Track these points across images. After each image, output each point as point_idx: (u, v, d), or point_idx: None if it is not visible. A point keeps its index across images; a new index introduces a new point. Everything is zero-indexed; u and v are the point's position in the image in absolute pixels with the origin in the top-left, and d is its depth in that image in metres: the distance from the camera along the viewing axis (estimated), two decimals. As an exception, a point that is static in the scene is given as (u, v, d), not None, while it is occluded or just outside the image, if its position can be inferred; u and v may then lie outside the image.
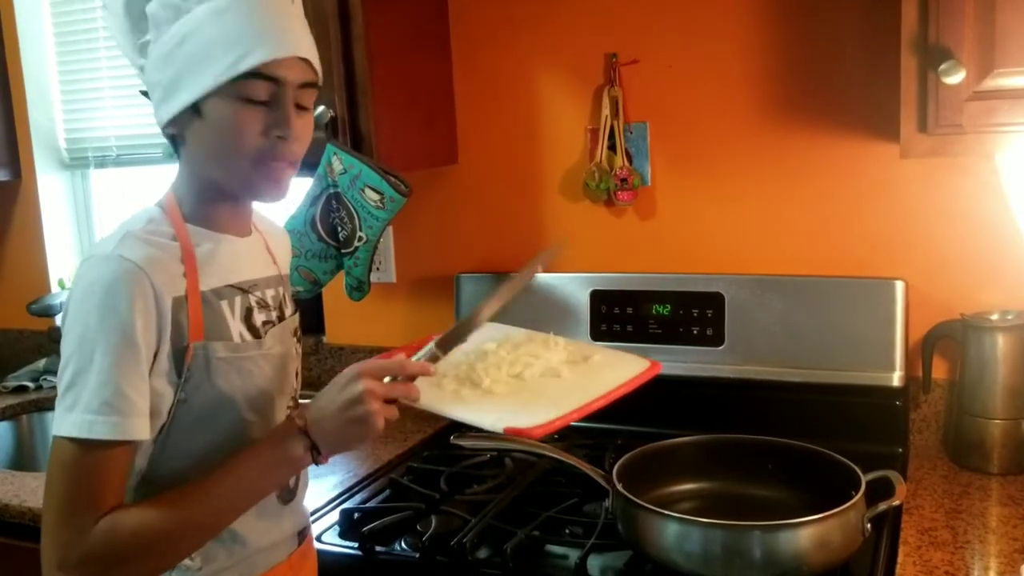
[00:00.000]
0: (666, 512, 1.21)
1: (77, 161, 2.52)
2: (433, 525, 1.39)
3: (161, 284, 1.01)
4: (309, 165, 1.69)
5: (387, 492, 1.57)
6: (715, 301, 1.72)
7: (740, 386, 1.72)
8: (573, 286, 1.84)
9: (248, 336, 1.12)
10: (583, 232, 1.89)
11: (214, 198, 1.10)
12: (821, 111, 1.68)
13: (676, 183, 1.81)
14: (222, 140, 1.04)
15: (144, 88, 1.10)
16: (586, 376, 1.20)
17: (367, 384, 1.00)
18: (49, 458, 1.00)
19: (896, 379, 1.62)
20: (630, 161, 1.81)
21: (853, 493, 1.23)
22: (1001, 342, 1.53)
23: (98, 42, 2.41)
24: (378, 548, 1.37)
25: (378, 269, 2.06)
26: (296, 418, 1.03)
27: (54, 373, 2.34)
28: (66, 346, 1.00)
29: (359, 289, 1.77)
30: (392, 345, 1.96)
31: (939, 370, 1.66)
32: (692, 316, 1.75)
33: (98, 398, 0.97)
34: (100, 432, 0.97)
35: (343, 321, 2.15)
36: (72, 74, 2.47)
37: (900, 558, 1.25)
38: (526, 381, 1.18)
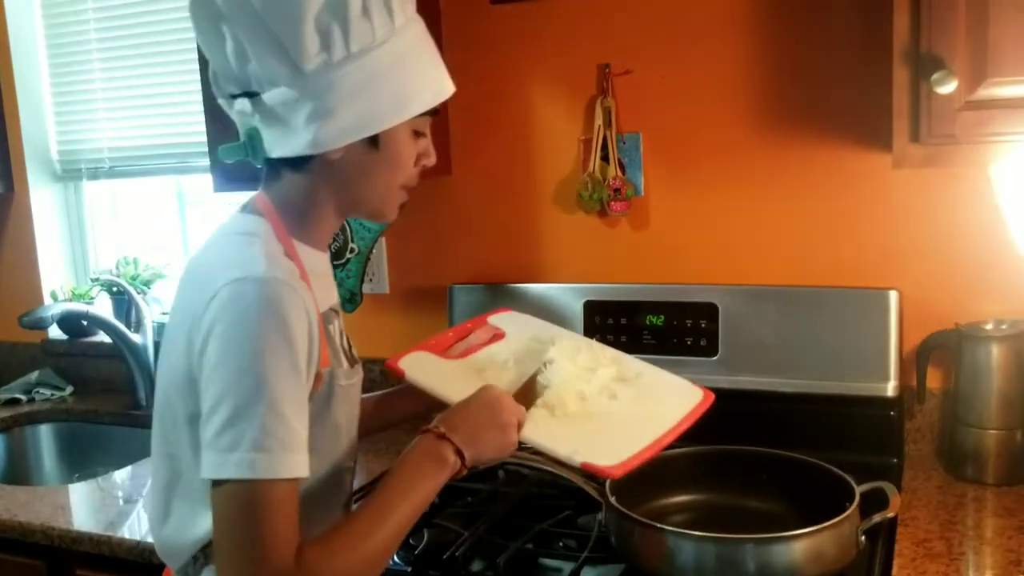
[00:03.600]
0: (659, 525, 1.20)
1: (70, 173, 2.51)
2: (425, 538, 1.38)
3: (311, 307, 1.00)
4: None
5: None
6: (709, 311, 1.72)
7: (734, 397, 1.68)
8: (567, 297, 1.83)
9: (347, 362, 1.13)
10: (576, 242, 1.89)
11: (326, 215, 1.10)
12: (814, 121, 1.67)
13: (669, 193, 1.81)
14: (389, 170, 1.08)
15: (235, 91, 1.05)
16: (642, 402, 1.26)
17: (505, 399, 1.10)
18: (215, 505, 0.92)
19: (890, 389, 1.62)
20: (623, 171, 1.81)
21: (847, 505, 1.22)
22: (996, 352, 1.52)
23: (91, 53, 2.41)
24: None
25: (371, 280, 2.04)
26: (435, 428, 1.06)
27: (47, 385, 2.37)
28: (218, 379, 0.92)
29: (351, 301, 1.76)
30: (384, 356, 1.95)
31: (934, 380, 1.65)
32: (686, 326, 1.74)
33: (269, 434, 0.90)
34: (278, 470, 0.90)
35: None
36: (65, 85, 2.47)
37: (895, 570, 1.24)
38: (588, 401, 1.23)
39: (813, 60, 1.66)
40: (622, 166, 1.81)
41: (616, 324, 1.79)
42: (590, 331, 1.79)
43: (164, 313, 2.38)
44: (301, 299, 0.97)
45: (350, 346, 1.17)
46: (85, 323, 2.28)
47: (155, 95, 2.34)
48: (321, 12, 0.99)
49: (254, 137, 1.05)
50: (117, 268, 2.37)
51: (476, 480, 1.59)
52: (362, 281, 1.76)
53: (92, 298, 2.39)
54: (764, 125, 1.71)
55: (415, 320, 2.05)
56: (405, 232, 2.00)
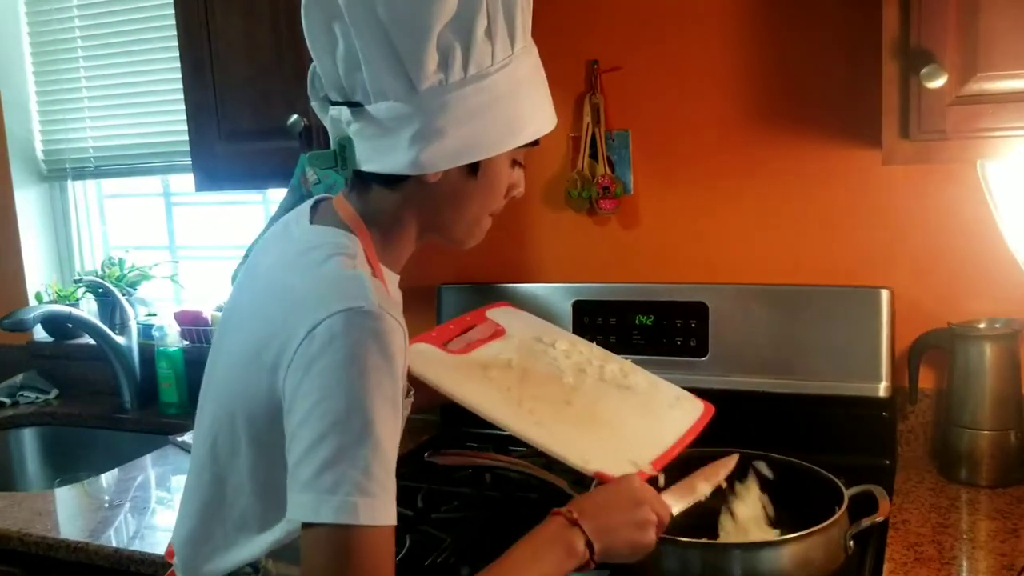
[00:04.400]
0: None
1: (55, 172, 2.48)
2: (407, 545, 1.36)
3: (407, 341, 0.94)
4: (282, 175, 1.67)
5: None
6: (699, 311, 1.70)
7: (724, 397, 1.63)
8: (555, 297, 1.81)
9: (404, 391, 1.09)
10: (566, 242, 1.87)
11: (408, 237, 1.06)
12: (804, 118, 1.65)
13: (659, 191, 1.78)
14: (483, 198, 1.04)
15: (336, 98, 1.00)
16: (645, 411, 1.24)
17: (648, 492, 1.03)
18: (307, 547, 0.86)
19: (882, 390, 1.59)
20: (612, 169, 1.79)
21: (836, 508, 1.20)
22: (989, 351, 1.50)
23: (76, 51, 2.39)
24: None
25: (358, 280, 2.02)
26: (567, 512, 1.00)
27: (32, 388, 2.34)
28: (320, 415, 0.85)
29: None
30: None
31: (926, 380, 1.63)
32: (676, 326, 1.72)
33: (373, 478, 0.85)
34: (380, 516, 0.85)
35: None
36: (49, 84, 2.45)
37: (884, 574, 1.22)
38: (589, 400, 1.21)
39: (802, 56, 1.63)
40: (611, 164, 1.78)
41: (605, 324, 1.77)
42: (579, 331, 1.76)
43: (150, 315, 2.35)
44: (403, 334, 0.91)
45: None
46: (70, 325, 2.26)
47: (140, 93, 2.32)
48: (445, 30, 0.94)
49: (346, 147, 1.00)
50: (102, 269, 2.34)
51: (461, 484, 1.56)
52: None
53: (78, 299, 2.36)
54: (753, 122, 1.69)
55: (405, 320, 2.01)
56: (392, 232, 1.97)
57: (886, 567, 1.24)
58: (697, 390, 1.66)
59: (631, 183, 1.79)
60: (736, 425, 1.63)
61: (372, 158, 0.99)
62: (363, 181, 1.03)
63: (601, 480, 1.07)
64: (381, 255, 1.03)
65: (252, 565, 1.00)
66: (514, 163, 1.07)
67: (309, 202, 1.08)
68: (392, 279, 1.06)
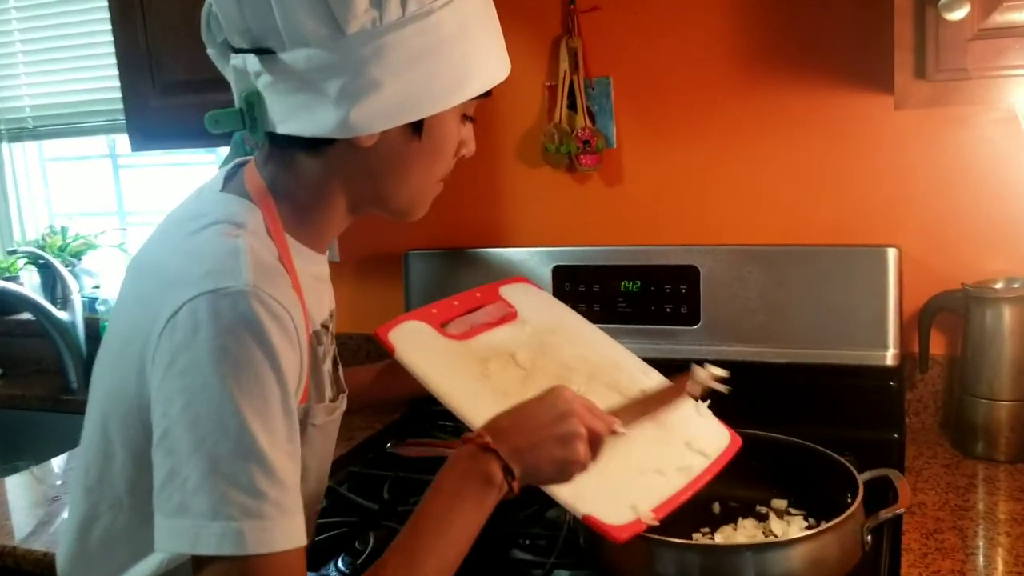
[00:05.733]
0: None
1: (-11, 134, 2.30)
2: (372, 542, 1.22)
3: (302, 330, 0.79)
4: (222, 135, 1.50)
5: (322, 503, 1.39)
6: (690, 275, 1.56)
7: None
8: (533, 262, 1.66)
9: (332, 390, 0.93)
10: (543, 201, 1.72)
11: (336, 212, 0.90)
12: (805, 61, 1.50)
13: (644, 145, 1.63)
14: (430, 162, 0.89)
15: (242, 44, 0.83)
16: (660, 439, 1.04)
17: (576, 403, 0.86)
18: None
19: (890, 357, 1.47)
20: (593, 121, 1.63)
21: (849, 499, 1.08)
22: (1007, 314, 1.36)
23: (8, 2, 2.19)
24: (308, 572, 1.19)
25: (319, 247, 1.87)
26: (478, 436, 0.85)
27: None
28: (191, 422, 0.71)
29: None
30: (337, 330, 1.80)
31: (938, 346, 1.50)
32: (665, 292, 1.59)
33: (261, 497, 0.71)
34: (275, 541, 0.71)
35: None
36: (-21, 40, 2.25)
37: (904, 569, 1.09)
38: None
39: (803, -10, 1.48)
40: (591, 115, 1.63)
41: (588, 291, 1.63)
42: (560, 300, 1.62)
43: (96, 287, 2.18)
44: (292, 321, 0.77)
45: (336, 366, 0.98)
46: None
47: (80, 46, 2.16)
48: None
49: (255, 105, 0.83)
50: (43, 239, 2.16)
51: (431, 471, 1.41)
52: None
53: (17, 272, 2.19)
54: (749, 65, 1.53)
55: (369, 290, 1.87)
56: (354, 193, 1.81)
57: (904, 560, 1.11)
58: (688, 361, 1.56)
59: (614, 136, 1.64)
60: (731, 398, 1.50)
61: (289, 118, 0.82)
62: (279, 146, 0.86)
63: (592, 527, 0.91)
64: (299, 232, 0.87)
65: None
66: (464, 118, 0.91)
67: (231, 164, 0.92)
68: (313, 260, 0.90)
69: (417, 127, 0.85)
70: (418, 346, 1.01)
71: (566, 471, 0.86)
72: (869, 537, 1.03)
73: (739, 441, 1.11)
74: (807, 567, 0.98)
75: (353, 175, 0.87)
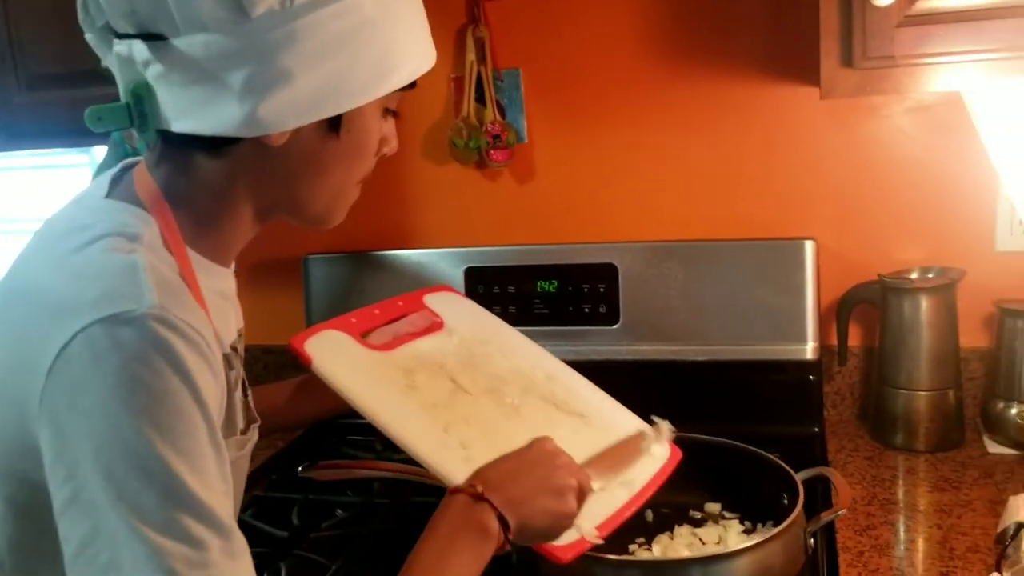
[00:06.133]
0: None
1: None
2: (283, 574, 1.11)
3: (217, 355, 0.69)
4: (99, 133, 1.36)
5: None
6: (607, 274, 1.51)
7: (639, 368, 1.51)
8: (444, 264, 1.58)
9: (243, 421, 0.82)
10: (452, 200, 1.63)
11: (241, 219, 0.79)
12: (721, 50, 1.46)
13: (557, 139, 1.57)
14: (349, 162, 0.79)
15: (128, 30, 0.71)
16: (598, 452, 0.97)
17: (563, 456, 0.85)
18: None
19: (809, 351, 1.46)
20: (503, 115, 1.56)
21: (785, 500, 1.05)
22: (924, 304, 1.36)
23: None
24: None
25: (210, 253, 1.74)
26: (470, 486, 0.80)
27: None
28: (106, 472, 0.60)
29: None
30: None
31: (855, 337, 1.50)
32: (582, 292, 1.53)
33: (202, 546, 0.61)
34: None
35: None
36: None
37: (843, 569, 1.06)
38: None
39: (717, -22, 1.44)
40: (501, 108, 1.56)
41: (503, 293, 1.56)
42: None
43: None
44: (207, 345, 0.67)
45: (246, 393, 0.87)
46: None
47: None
48: None
49: (144, 99, 0.71)
50: None
51: (344, 492, 1.32)
52: (192, 257, 1.46)
53: None
54: (663, 55, 1.48)
55: (265, 298, 1.75)
56: (247, 195, 1.69)
57: (842, 559, 1.08)
58: (609, 362, 1.52)
59: (525, 130, 1.57)
60: (652, 399, 1.46)
61: (185, 114, 0.71)
62: (174, 145, 0.75)
63: (535, 548, 0.85)
64: (195, 242, 0.76)
65: None
66: (386, 112, 0.82)
67: (118, 167, 0.81)
68: (218, 275, 0.80)
69: (334, 123, 0.76)
70: (338, 357, 0.92)
71: (558, 524, 0.83)
72: (812, 540, 1.00)
73: (679, 453, 1.06)
74: (753, 578, 0.94)
75: (261, 178, 0.77)
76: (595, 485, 0.87)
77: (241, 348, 0.87)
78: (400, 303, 1.05)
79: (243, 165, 0.76)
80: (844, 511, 1.00)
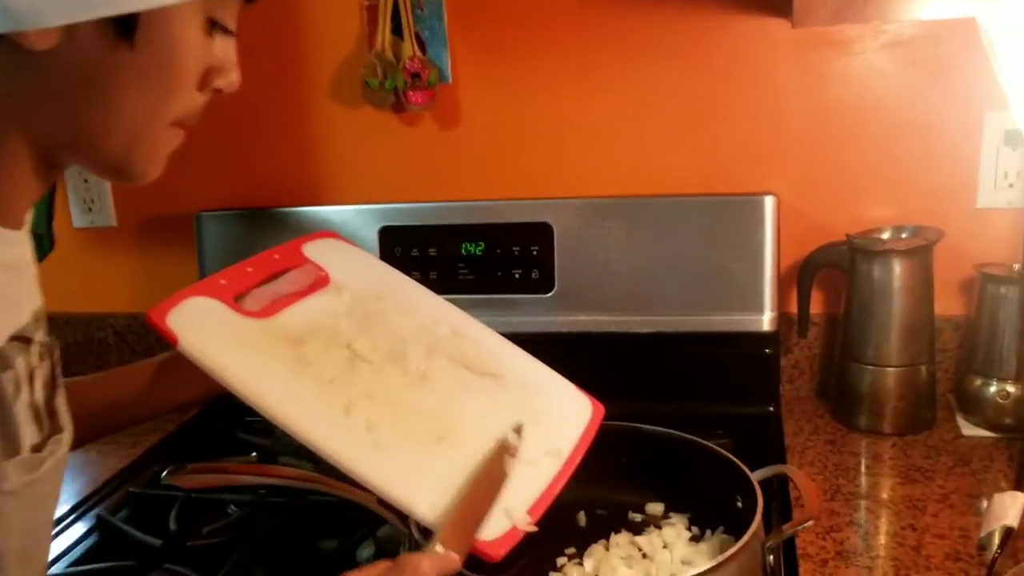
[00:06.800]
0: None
1: None
2: (146, 597, 0.94)
3: None
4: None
5: (91, 539, 1.09)
6: (541, 234, 1.35)
7: (575, 342, 1.36)
8: (357, 222, 1.40)
9: (38, 433, 0.62)
10: (366, 149, 1.44)
11: (18, 160, 0.60)
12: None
13: (485, 79, 1.38)
14: (153, 84, 0.59)
15: None
16: (520, 416, 0.81)
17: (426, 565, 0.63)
18: None
19: (766, 322, 1.31)
20: (423, 50, 1.36)
21: (740, 502, 0.89)
22: (897, 268, 1.21)
23: None
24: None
25: (90, 211, 1.53)
26: None
27: None
28: None
29: (38, 246, 1.24)
30: (117, 310, 1.49)
31: (818, 306, 1.34)
32: (513, 255, 1.36)
33: None
34: None
35: (49, 281, 1.60)
36: None
37: (803, 579, 0.91)
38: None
39: None
40: (421, 42, 1.36)
41: (423, 256, 1.39)
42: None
43: None
44: None
45: (49, 398, 0.67)
46: None
47: None
48: None
49: None
50: None
51: (228, 491, 1.13)
52: (50, 217, 1.25)
53: None
54: (605, -20, 1.29)
55: (154, 259, 1.57)
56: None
57: (802, 569, 0.93)
58: (542, 334, 1.36)
59: (448, 68, 1.37)
60: (591, 378, 1.29)
61: None
62: None
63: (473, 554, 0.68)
64: None
65: None
66: (213, 25, 0.62)
67: None
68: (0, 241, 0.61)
69: (126, 27, 0.56)
70: (208, 331, 0.72)
71: None
72: (771, 557, 0.84)
73: (601, 408, 0.90)
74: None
75: (28, 101, 0.57)
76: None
77: (41, 334, 0.67)
78: (276, 256, 0.86)
79: (21, 90, 0.56)
80: (809, 523, 0.85)
